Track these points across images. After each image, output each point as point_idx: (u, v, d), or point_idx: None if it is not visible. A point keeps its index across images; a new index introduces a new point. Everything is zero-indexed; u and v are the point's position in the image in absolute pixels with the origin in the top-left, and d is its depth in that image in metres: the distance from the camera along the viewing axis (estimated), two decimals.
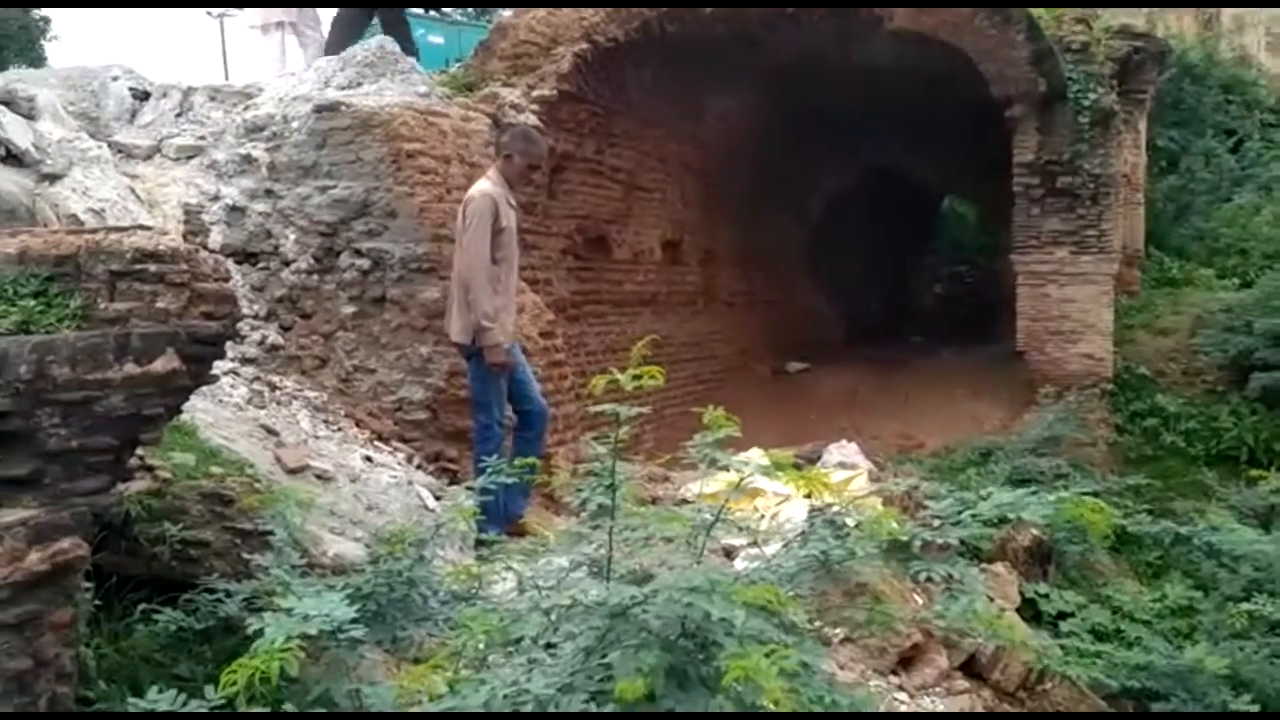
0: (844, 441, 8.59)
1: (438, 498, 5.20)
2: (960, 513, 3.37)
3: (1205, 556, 7.53)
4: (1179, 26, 18.70)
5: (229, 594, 3.27)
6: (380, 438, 5.75)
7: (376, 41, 7.23)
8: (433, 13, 12.23)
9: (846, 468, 8.02)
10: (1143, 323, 11.81)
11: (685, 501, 6.17)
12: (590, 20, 8.36)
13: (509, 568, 3.30)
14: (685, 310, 11.77)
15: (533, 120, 7.54)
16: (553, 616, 3.06)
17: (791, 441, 9.36)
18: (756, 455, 8.36)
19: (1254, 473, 7.75)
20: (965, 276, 18.92)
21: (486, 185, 5.17)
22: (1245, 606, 6.22)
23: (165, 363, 2.91)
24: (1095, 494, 8.61)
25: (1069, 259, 10.50)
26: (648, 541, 3.32)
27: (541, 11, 8.25)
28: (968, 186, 16.31)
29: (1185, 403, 10.67)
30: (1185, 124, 15.97)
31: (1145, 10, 18.51)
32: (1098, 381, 10.49)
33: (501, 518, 4.95)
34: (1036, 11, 10.32)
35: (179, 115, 6.87)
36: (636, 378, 2.83)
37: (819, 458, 8.51)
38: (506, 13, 9.22)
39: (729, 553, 5.51)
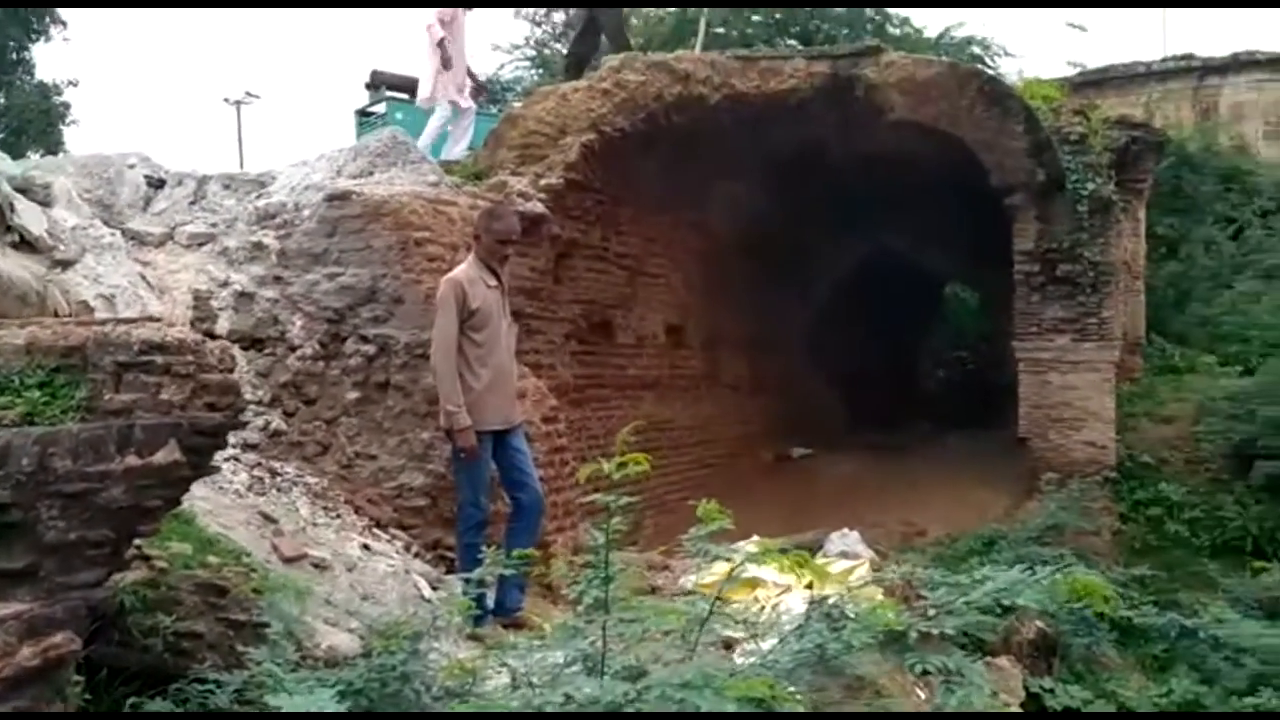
0: (846, 530, 8.54)
1: (434, 587, 5.18)
2: (955, 600, 3.37)
3: (1211, 650, 7.43)
4: (1177, 116, 19.08)
5: (219, 685, 3.25)
6: (379, 525, 5.75)
7: (389, 132, 7.42)
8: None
9: (849, 557, 7.96)
10: (1145, 410, 11.76)
11: (687, 591, 6.13)
12: (598, 111, 8.57)
13: (504, 664, 3.29)
14: (688, 394, 11.80)
15: (539, 208, 7.68)
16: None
17: (794, 529, 9.31)
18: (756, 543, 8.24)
19: (1257, 564, 7.67)
20: (968, 362, 18.97)
21: (457, 270, 5.26)
22: (1250, 700, 6.13)
23: (167, 454, 2.95)
24: None
25: (1070, 346, 10.54)
26: (644, 635, 3.31)
27: (550, 103, 8.46)
28: (969, 273, 16.43)
29: (1189, 491, 10.58)
30: (1185, 212, 16.13)
31: (1143, 101, 18.94)
32: (1101, 469, 10.43)
33: (488, 607, 4.93)
34: (1034, 103, 10.55)
35: (193, 203, 7.02)
36: (622, 465, 2.86)
37: (821, 546, 8.46)
38: (516, 103, 9.51)
39: (729, 645, 5.45)
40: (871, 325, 17.10)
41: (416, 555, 5.65)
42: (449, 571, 5.53)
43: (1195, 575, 9.59)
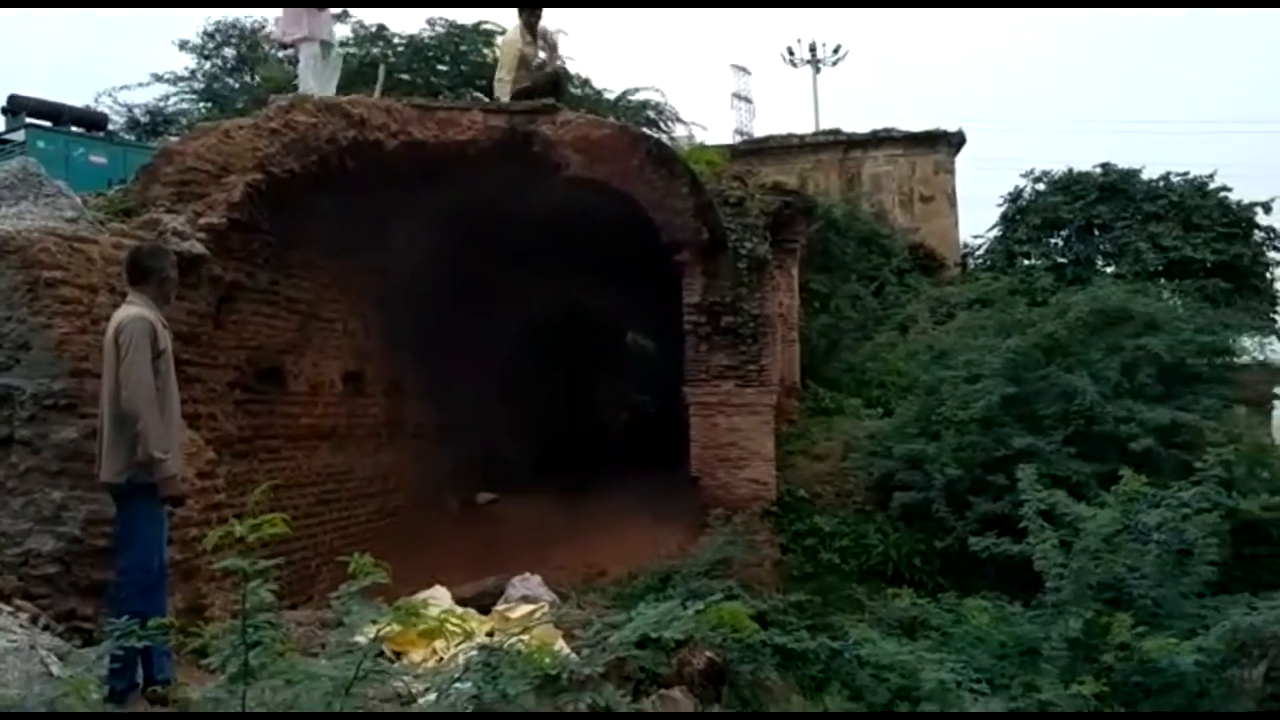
0: (527, 575, 8.60)
1: (65, 662, 4.66)
2: (606, 638, 3.48)
3: (858, 668, 8.10)
4: (826, 184, 21.14)
5: None
6: (0, 596, 5.10)
7: (18, 162, 6.72)
8: (95, 132, 11.50)
9: (530, 601, 8.03)
10: (801, 448, 12.78)
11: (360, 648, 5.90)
12: (265, 151, 8.20)
13: None
14: (369, 443, 11.46)
15: (198, 248, 7.22)
16: None
17: (480, 574, 9.26)
18: (440, 593, 8.16)
19: (892, 591, 8.46)
20: (649, 406, 19.77)
21: (138, 310, 4.88)
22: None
23: None
24: (761, 613, 9.05)
25: (734, 391, 11.28)
26: (295, 700, 3.16)
27: (212, 139, 7.99)
28: (646, 322, 17.19)
29: (839, 522, 11.57)
30: (833, 270, 17.85)
31: (797, 170, 20.83)
32: (763, 504, 11.20)
33: (133, 677, 4.53)
34: (698, 167, 11.29)
35: None
36: (256, 527, 2.74)
37: (503, 591, 8.47)
38: (173, 138, 8.93)
39: (404, 699, 5.32)
40: (557, 371, 17.45)
41: (46, 628, 5.07)
42: (86, 644, 5.00)
43: (846, 599, 10.45)
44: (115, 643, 3.39)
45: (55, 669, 4.59)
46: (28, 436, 5.36)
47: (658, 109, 18.68)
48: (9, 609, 5.08)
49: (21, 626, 4.94)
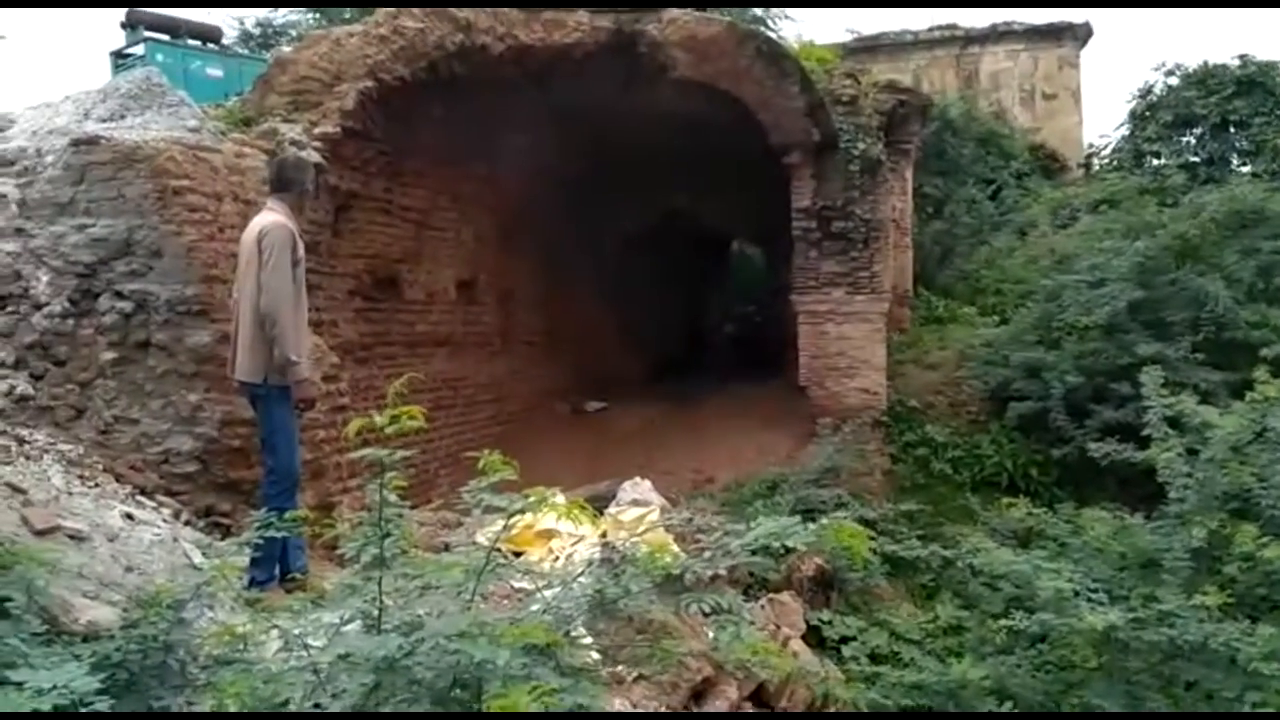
0: (638, 479, 8.69)
1: (206, 555, 4.91)
2: (730, 544, 3.49)
3: (971, 576, 8.01)
4: (942, 83, 20.28)
5: None
6: (144, 492, 5.38)
7: (142, 72, 6.87)
8: (211, 45, 11.71)
9: (641, 504, 8.15)
10: (912, 358, 12.56)
11: (481, 546, 6.07)
12: (375, 58, 8.22)
13: (274, 626, 3.16)
14: (483, 351, 11.67)
15: (315, 157, 7.33)
16: (321, 675, 2.95)
17: (589, 480, 9.44)
18: (557, 495, 8.27)
19: (1006, 501, 8.31)
20: (754, 316, 19.63)
21: (279, 218, 4.97)
22: (1004, 622, 6.64)
23: None
24: (871, 521, 9.01)
25: (844, 299, 11.08)
26: (425, 590, 3.26)
27: (324, 47, 8.05)
28: (753, 231, 16.95)
29: (952, 432, 11.39)
30: (948, 173, 17.22)
31: (911, 67, 20.00)
32: (873, 414, 11.06)
33: (273, 569, 4.76)
34: (808, 65, 10.92)
35: None
36: (395, 420, 2.80)
37: (614, 495, 8.61)
38: (286, 49, 9.02)
39: (525, 596, 5.48)
40: (664, 280, 17.41)
41: (187, 523, 5.34)
42: (225, 538, 5.26)
43: (958, 509, 10.36)
44: (255, 534, 3.53)
45: (197, 560, 4.84)
46: (164, 341, 5.58)
47: (765, 5, 18.10)
48: (152, 504, 5.36)
49: (165, 521, 5.21)
